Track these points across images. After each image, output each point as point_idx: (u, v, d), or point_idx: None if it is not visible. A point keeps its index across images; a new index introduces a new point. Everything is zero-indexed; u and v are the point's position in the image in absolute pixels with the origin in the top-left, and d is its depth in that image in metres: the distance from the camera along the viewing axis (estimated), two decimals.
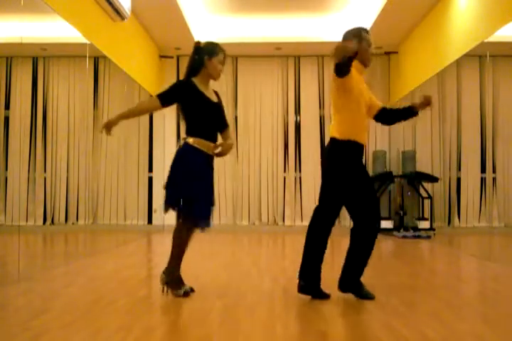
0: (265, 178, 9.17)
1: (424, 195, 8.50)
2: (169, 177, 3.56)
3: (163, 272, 3.59)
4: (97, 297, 3.49)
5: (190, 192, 3.49)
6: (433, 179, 8.40)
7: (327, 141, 3.57)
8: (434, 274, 4.63)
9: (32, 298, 3.52)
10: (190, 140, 3.57)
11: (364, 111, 3.53)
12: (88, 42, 5.68)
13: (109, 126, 3.61)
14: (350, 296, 3.54)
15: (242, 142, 9.30)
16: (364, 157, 9.12)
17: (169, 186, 3.55)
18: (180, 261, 3.62)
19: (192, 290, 3.57)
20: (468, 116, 8.87)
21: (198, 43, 3.74)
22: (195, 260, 5.63)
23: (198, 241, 7.62)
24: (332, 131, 3.50)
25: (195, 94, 3.63)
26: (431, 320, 2.90)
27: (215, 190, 10.07)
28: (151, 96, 3.69)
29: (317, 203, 3.56)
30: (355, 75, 3.44)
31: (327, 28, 8.37)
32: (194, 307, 3.18)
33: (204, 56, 3.66)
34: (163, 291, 3.56)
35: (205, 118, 3.64)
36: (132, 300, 3.39)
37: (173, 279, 3.55)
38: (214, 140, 3.65)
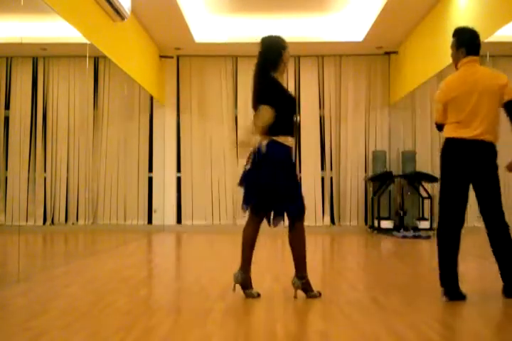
0: None
1: (424, 195, 8.50)
2: (274, 181, 3.41)
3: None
4: (96, 297, 3.49)
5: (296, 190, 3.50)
6: (433, 179, 8.39)
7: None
8: (434, 274, 4.62)
9: (32, 298, 3.51)
10: (281, 139, 3.45)
11: None
12: (88, 42, 5.67)
13: (245, 146, 3.59)
14: (349, 296, 3.54)
15: None
16: (364, 157, 9.19)
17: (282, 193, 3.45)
18: (245, 262, 3.61)
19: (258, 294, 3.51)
20: None
21: (267, 37, 3.67)
22: (196, 260, 5.63)
23: (199, 242, 7.62)
24: (491, 137, 3.51)
25: (283, 90, 3.51)
26: (431, 320, 2.90)
27: (216, 190, 9.97)
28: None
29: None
30: None
31: (327, 28, 8.36)
32: (194, 308, 3.18)
33: (280, 48, 3.57)
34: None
35: (290, 114, 3.56)
36: (132, 300, 3.39)
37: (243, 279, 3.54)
38: (293, 134, 3.59)
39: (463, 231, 3.80)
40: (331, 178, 9.22)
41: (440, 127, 3.66)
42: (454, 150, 3.51)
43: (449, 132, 3.55)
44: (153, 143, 9.36)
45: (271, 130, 3.43)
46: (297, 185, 3.56)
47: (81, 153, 8.93)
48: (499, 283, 4.15)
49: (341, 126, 9.14)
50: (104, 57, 6.55)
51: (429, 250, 6.76)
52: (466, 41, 3.59)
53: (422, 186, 8.51)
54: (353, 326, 2.78)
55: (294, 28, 8.32)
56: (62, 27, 5.21)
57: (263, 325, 2.81)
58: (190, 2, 7.46)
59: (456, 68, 3.66)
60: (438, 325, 2.80)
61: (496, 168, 3.54)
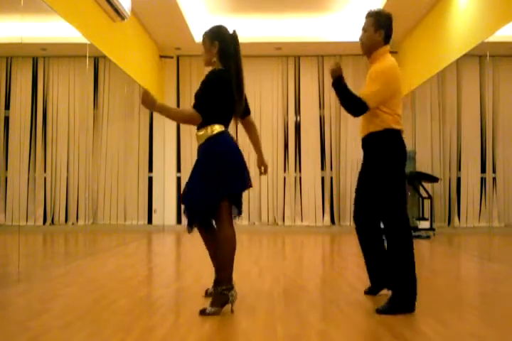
0: (265, 178, 9.17)
1: (424, 195, 8.50)
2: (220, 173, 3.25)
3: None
4: (97, 297, 3.49)
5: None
6: (433, 179, 8.40)
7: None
8: (434, 274, 4.62)
9: (32, 298, 3.52)
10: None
11: None
12: (88, 42, 5.68)
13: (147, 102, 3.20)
14: (349, 296, 3.54)
15: (242, 142, 9.29)
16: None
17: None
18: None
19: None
20: (468, 116, 8.87)
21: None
22: (196, 260, 5.63)
23: (199, 242, 7.61)
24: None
25: None
26: (431, 320, 2.89)
27: None
28: None
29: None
30: None
31: (327, 28, 8.37)
32: (194, 308, 3.18)
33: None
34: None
35: None
36: (132, 300, 3.39)
37: None
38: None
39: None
40: (331, 178, 9.22)
41: (365, 110, 3.33)
42: (401, 142, 3.65)
43: (395, 123, 3.46)
44: (153, 143, 9.36)
45: (212, 117, 3.39)
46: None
47: (81, 153, 8.93)
48: (498, 283, 4.16)
49: (341, 126, 9.14)
50: (104, 57, 6.55)
51: (429, 250, 6.76)
52: (386, 24, 3.35)
53: (422, 186, 8.51)
54: (353, 326, 2.78)
55: (294, 28, 8.33)
56: (62, 27, 5.21)
57: (263, 325, 2.81)
58: (190, 2, 7.46)
59: (369, 52, 3.38)
60: (438, 325, 2.80)
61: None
